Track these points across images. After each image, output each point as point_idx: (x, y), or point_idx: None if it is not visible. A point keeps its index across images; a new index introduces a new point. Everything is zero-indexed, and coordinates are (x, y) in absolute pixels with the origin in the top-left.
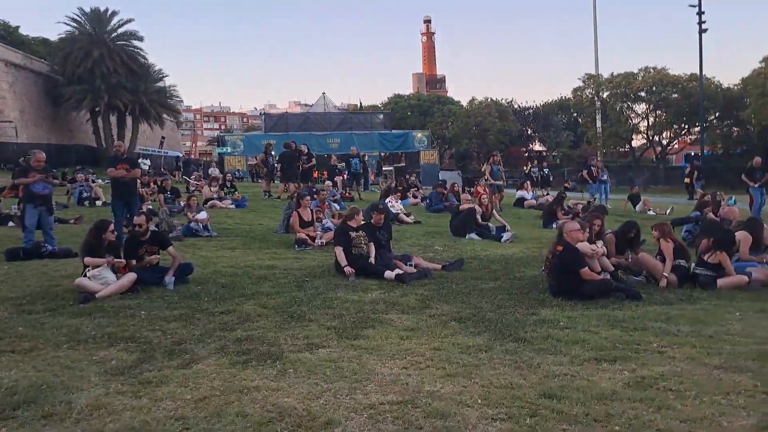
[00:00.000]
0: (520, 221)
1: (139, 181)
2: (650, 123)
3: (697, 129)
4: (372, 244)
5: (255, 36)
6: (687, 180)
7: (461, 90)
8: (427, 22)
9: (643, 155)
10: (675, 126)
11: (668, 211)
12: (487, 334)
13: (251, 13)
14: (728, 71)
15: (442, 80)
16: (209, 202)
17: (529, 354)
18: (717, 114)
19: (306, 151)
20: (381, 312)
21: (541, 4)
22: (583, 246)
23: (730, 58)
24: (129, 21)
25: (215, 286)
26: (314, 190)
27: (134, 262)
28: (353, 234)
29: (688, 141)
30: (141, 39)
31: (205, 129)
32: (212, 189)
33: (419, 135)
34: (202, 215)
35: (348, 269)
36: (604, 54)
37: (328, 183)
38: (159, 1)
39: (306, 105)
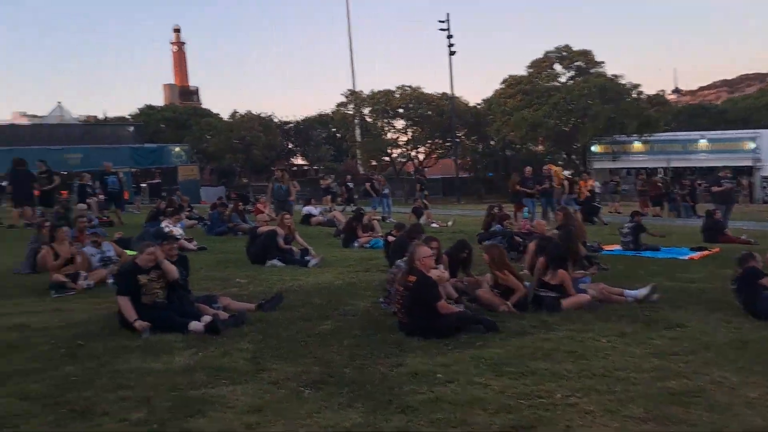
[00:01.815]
0: (313, 240)
1: None
2: (408, 138)
3: (448, 144)
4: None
5: None
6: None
7: (216, 102)
8: (177, 31)
9: (402, 168)
10: (430, 141)
11: (450, 223)
12: (360, 404)
13: None
14: (474, 91)
15: (196, 92)
16: None
17: None
18: (465, 131)
19: (45, 168)
20: (203, 385)
21: (296, 18)
22: (432, 273)
23: (476, 80)
24: None
25: None
26: (65, 215)
27: None
28: (144, 277)
29: (434, 156)
30: None
31: None
32: None
33: (177, 149)
34: None
35: (140, 324)
36: (362, 71)
37: (82, 206)
38: None
39: (36, 116)
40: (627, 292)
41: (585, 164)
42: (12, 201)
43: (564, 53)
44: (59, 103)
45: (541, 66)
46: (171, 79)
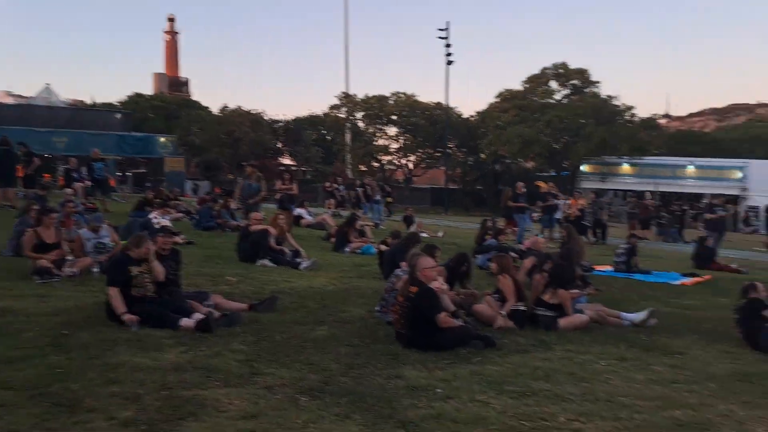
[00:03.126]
0: (303, 243)
1: None
2: (400, 145)
3: (438, 154)
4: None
5: None
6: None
7: (207, 96)
8: (171, 20)
9: (392, 175)
10: (420, 150)
11: (440, 234)
12: (358, 415)
13: None
14: (469, 103)
15: (186, 83)
16: None
17: None
18: (457, 142)
19: (25, 150)
20: (195, 385)
21: (294, 17)
22: (432, 285)
23: (471, 91)
24: None
25: None
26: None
27: None
28: (135, 269)
29: (423, 166)
30: None
31: None
32: None
33: (164, 140)
34: None
35: (129, 317)
36: (357, 75)
37: (69, 191)
38: None
39: (22, 97)
40: (624, 315)
41: (573, 183)
42: None
43: (561, 70)
44: (48, 84)
45: (537, 82)
46: (162, 68)
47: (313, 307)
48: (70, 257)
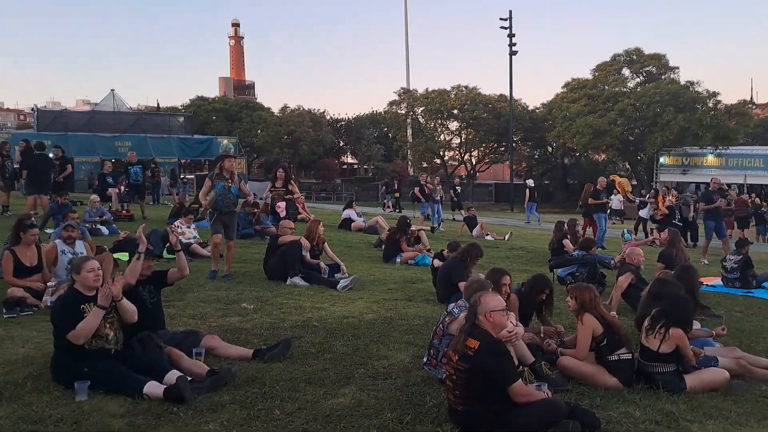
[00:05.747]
0: (352, 251)
1: None
2: (462, 140)
3: (502, 148)
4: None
5: (37, 26)
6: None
7: (271, 98)
8: (236, 25)
9: (454, 171)
10: (483, 144)
11: (507, 237)
12: None
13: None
14: (533, 94)
15: (251, 86)
16: None
17: None
18: (521, 135)
19: (60, 154)
20: None
21: (351, 17)
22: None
23: (536, 82)
24: None
25: None
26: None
27: None
28: (89, 308)
29: (487, 161)
30: None
31: None
32: None
33: (225, 141)
34: None
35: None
36: (418, 70)
37: (94, 197)
38: None
39: (94, 104)
40: None
41: (652, 176)
42: (27, 188)
43: (634, 57)
44: (112, 90)
45: (608, 69)
46: (228, 72)
47: (341, 351)
48: (52, 282)
